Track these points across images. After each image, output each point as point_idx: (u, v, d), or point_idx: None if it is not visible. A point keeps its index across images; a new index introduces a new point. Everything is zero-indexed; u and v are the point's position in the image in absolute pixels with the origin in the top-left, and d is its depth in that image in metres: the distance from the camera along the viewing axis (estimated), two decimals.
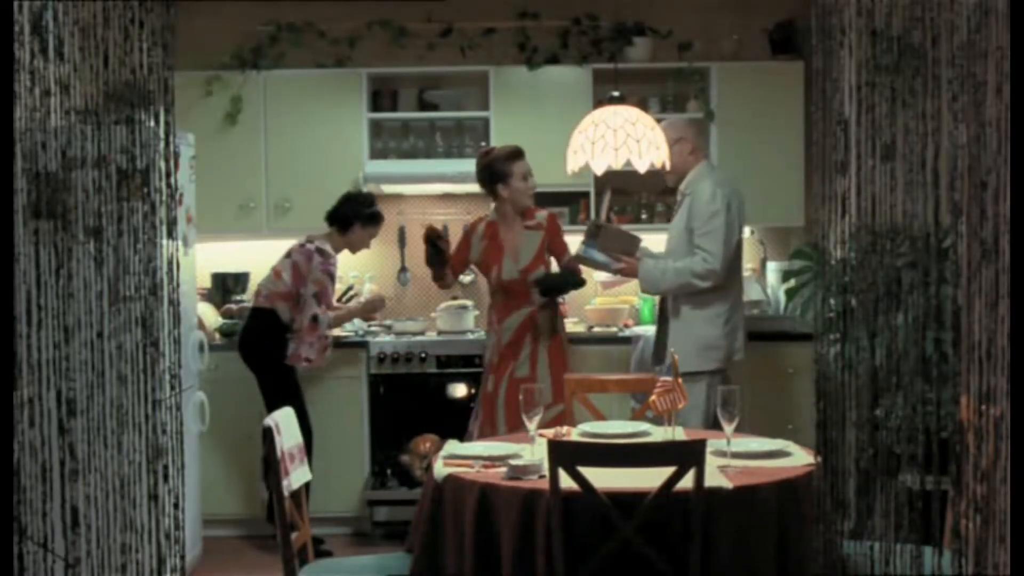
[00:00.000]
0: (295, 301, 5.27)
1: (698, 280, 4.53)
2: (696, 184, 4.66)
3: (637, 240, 4.71)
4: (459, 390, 5.61)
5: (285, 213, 5.95)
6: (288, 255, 5.35)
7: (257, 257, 6.18)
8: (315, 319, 5.24)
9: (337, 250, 5.38)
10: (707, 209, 4.56)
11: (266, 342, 5.31)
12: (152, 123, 2.57)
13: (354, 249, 5.49)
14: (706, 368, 4.55)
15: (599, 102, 4.73)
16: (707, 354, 4.56)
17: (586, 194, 5.94)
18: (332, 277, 5.32)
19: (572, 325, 5.87)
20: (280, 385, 5.27)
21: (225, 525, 5.68)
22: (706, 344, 4.57)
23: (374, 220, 5.39)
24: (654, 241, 6.18)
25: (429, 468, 3.46)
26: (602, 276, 5.56)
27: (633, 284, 5.96)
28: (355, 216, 5.35)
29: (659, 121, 4.49)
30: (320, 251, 5.28)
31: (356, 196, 5.46)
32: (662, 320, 4.79)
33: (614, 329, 5.84)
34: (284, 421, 3.49)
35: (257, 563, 5.28)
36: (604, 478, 2.92)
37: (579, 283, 5.04)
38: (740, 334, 4.71)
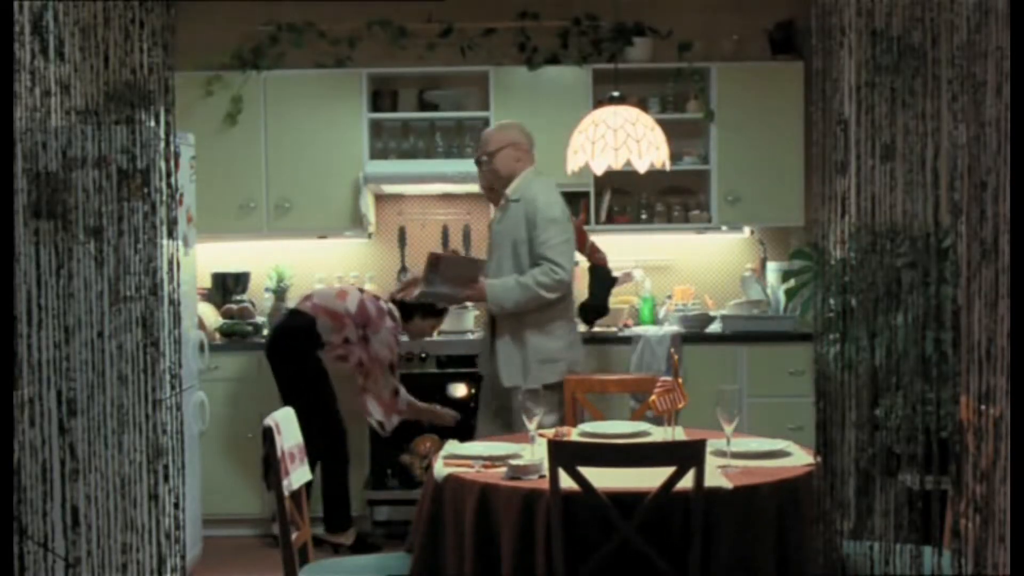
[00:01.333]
0: (342, 324, 5.19)
1: (545, 292, 4.34)
2: (526, 191, 4.47)
3: (480, 263, 4.53)
4: (459, 390, 5.61)
5: (285, 213, 5.95)
6: (360, 290, 5.33)
7: (257, 257, 6.19)
8: (396, 393, 5.24)
9: None
10: (545, 217, 4.38)
11: (301, 343, 5.24)
12: (152, 123, 2.57)
13: (413, 336, 5.48)
14: (550, 381, 4.38)
15: (599, 102, 4.73)
16: (549, 367, 4.40)
17: (586, 194, 5.94)
18: (398, 345, 5.31)
19: None
20: (308, 385, 5.25)
21: (225, 525, 5.68)
22: (546, 357, 4.40)
23: (436, 313, 5.38)
24: (656, 242, 6.21)
25: (429, 468, 3.46)
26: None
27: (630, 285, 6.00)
28: (416, 309, 5.31)
29: (659, 122, 4.48)
30: (392, 315, 5.27)
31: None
32: (492, 337, 4.54)
33: (614, 329, 5.84)
34: (284, 421, 3.49)
35: (257, 563, 5.28)
36: (604, 478, 2.92)
37: (612, 280, 4.94)
38: (578, 346, 4.57)
